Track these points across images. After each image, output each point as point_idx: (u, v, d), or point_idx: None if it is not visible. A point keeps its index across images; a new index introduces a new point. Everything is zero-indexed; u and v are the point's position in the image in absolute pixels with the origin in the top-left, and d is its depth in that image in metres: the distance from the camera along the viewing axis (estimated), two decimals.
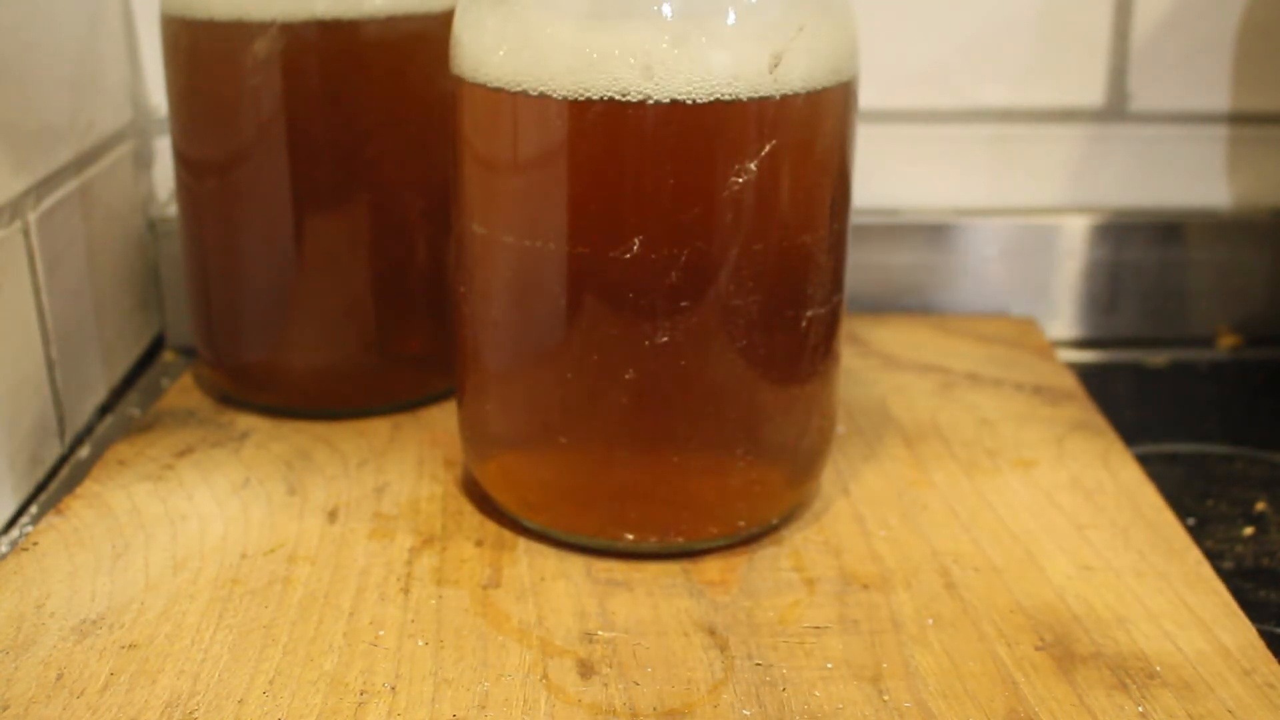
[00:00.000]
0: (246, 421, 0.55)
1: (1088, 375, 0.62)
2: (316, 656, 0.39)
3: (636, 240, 0.40)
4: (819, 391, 0.45)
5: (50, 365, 0.52)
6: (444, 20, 0.46)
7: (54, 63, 0.54)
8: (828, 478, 0.50)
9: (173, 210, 0.66)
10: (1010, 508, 0.48)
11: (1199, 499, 0.51)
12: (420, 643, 0.40)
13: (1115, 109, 0.67)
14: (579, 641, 0.40)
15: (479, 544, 0.45)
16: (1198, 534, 0.48)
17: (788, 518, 0.47)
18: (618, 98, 0.39)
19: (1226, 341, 0.68)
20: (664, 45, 0.39)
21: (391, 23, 0.51)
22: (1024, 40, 0.66)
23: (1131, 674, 0.38)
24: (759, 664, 0.39)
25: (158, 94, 0.65)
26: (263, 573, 0.43)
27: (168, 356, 0.65)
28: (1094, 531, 0.46)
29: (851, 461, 0.51)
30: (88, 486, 0.49)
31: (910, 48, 0.66)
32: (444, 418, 0.55)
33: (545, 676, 0.38)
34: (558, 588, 0.43)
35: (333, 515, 0.47)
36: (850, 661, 0.39)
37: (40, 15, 0.53)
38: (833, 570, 0.44)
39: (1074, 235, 0.67)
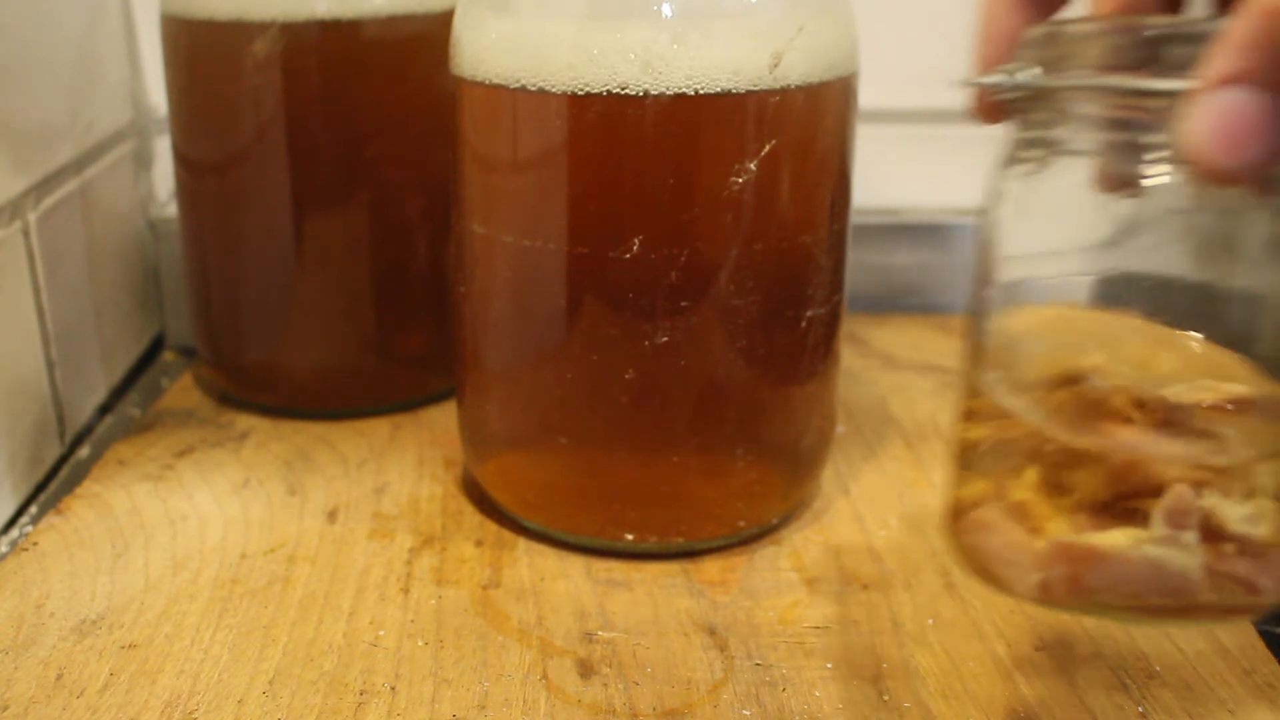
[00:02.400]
0: (246, 421, 0.55)
1: None
2: (316, 656, 0.39)
3: (636, 240, 0.40)
4: (819, 391, 0.45)
5: (50, 365, 0.52)
6: (444, 20, 0.46)
7: (54, 63, 0.54)
8: (828, 478, 0.50)
9: (173, 210, 0.66)
10: None
11: None
12: (420, 643, 0.40)
13: None
14: (579, 641, 0.40)
15: (479, 544, 0.45)
16: None
17: (788, 518, 0.47)
18: (617, 92, 0.39)
19: None
20: (663, 42, 0.39)
21: (391, 23, 0.51)
22: None
23: (1131, 674, 0.38)
24: (759, 664, 0.39)
25: (158, 94, 0.65)
26: (263, 573, 0.43)
27: (168, 356, 0.65)
28: None
29: (851, 461, 0.51)
30: (88, 486, 0.49)
31: (910, 48, 0.66)
32: (444, 418, 0.55)
33: (545, 676, 0.38)
34: (558, 588, 0.43)
35: (333, 515, 0.47)
36: (850, 661, 0.39)
37: (40, 15, 0.53)
38: (833, 570, 0.44)
39: None
